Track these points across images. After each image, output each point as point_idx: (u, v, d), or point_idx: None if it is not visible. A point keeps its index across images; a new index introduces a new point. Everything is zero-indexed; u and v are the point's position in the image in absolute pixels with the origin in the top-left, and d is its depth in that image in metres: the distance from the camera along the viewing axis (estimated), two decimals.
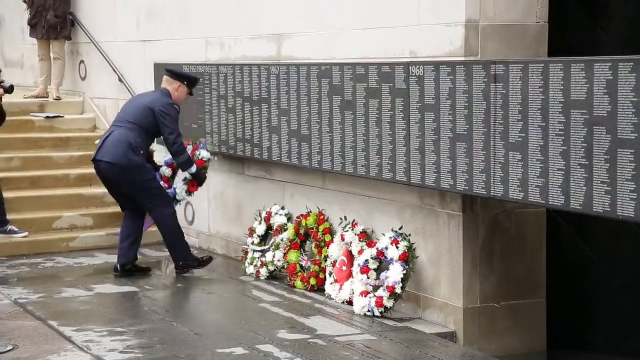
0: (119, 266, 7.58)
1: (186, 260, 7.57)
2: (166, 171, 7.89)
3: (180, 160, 7.49)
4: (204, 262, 7.64)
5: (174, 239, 7.54)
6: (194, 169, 7.56)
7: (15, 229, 8.55)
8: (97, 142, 7.67)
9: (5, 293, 7.07)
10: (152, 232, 9.12)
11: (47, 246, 8.58)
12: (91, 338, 5.85)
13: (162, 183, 7.75)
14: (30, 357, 5.49)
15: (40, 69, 11.18)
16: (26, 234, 8.58)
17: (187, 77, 7.64)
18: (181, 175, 7.80)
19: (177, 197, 7.74)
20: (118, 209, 9.03)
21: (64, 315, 6.47)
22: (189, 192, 7.74)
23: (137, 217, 7.65)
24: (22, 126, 10.09)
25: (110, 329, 6.05)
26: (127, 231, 7.61)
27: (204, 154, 7.74)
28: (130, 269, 7.56)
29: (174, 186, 7.78)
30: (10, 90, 8.27)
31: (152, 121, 7.40)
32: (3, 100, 8.34)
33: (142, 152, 7.42)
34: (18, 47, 12.74)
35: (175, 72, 7.67)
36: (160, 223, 7.52)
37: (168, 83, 7.58)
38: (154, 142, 7.66)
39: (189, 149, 7.74)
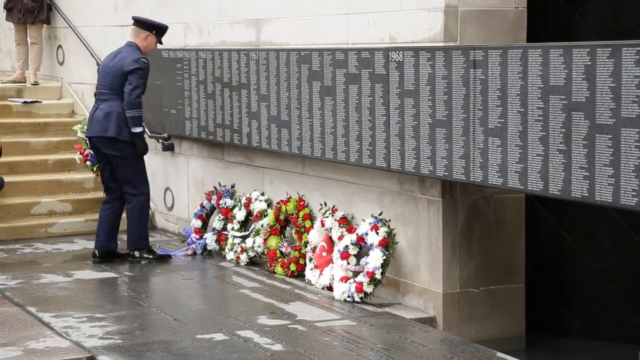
0: (97, 252, 7.56)
1: (142, 249, 7.56)
2: (196, 222, 7.90)
3: (130, 114, 7.27)
4: (161, 257, 7.61)
5: (141, 227, 7.51)
6: (139, 129, 7.37)
7: None
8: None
9: None
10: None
11: (26, 232, 8.53)
12: (70, 324, 5.84)
13: (193, 234, 7.83)
14: (9, 343, 5.46)
15: (17, 54, 11.08)
16: None
17: (155, 26, 7.50)
18: (211, 225, 7.83)
19: (208, 247, 7.75)
20: (97, 195, 9.02)
21: (42, 301, 6.45)
22: (218, 242, 7.73)
23: (118, 203, 7.61)
24: None
25: (90, 315, 6.03)
26: (108, 217, 7.58)
27: (228, 202, 7.74)
28: (109, 255, 7.55)
29: (204, 236, 7.80)
30: None
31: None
32: None
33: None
34: None
35: (143, 21, 7.55)
36: (133, 207, 7.47)
37: (136, 33, 7.47)
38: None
39: (214, 198, 7.82)
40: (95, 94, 7.71)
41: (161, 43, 7.67)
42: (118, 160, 7.43)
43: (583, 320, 6.46)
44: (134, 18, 7.66)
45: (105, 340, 5.49)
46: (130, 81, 7.30)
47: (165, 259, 7.63)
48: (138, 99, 7.32)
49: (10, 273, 7.24)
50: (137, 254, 7.54)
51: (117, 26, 9.57)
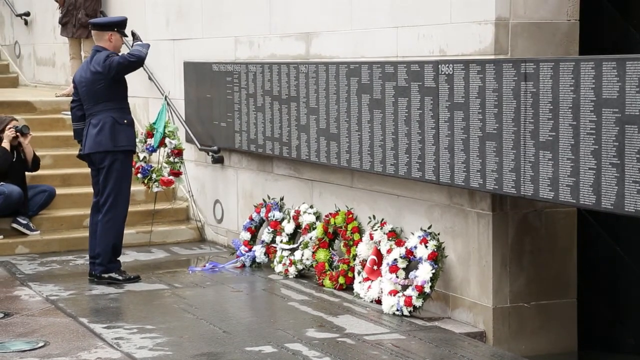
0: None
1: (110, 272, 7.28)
2: (245, 235, 7.94)
3: (138, 54, 7.15)
4: (130, 279, 7.28)
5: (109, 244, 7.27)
6: (144, 46, 7.25)
7: (32, 226, 8.61)
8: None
9: (37, 290, 7.14)
10: (180, 229, 9.18)
11: (78, 243, 8.63)
12: (121, 335, 5.90)
13: (242, 247, 7.83)
14: (61, 354, 5.54)
15: (71, 68, 11.26)
16: (38, 232, 8.64)
17: (115, 23, 7.23)
18: (260, 237, 7.83)
19: (257, 260, 7.75)
20: (148, 207, 9.12)
21: (94, 312, 6.52)
22: (267, 254, 7.73)
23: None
24: (53, 124, 10.20)
25: (140, 326, 6.09)
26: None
27: (277, 215, 7.72)
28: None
29: (253, 249, 7.82)
30: (24, 130, 8.58)
31: (109, 84, 7.16)
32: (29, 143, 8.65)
33: (125, 121, 7.28)
34: (49, 46, 12.85)
35: (101, 23, 7.28)
36: (108, 221, 7.25)
37: (98, 37, 7.21)
38: (126, 96, 7.45)
39: (263, 210, 7.83)
40: (72, 108, 7.53)
41: (126, 36, 7.38)
42: (105, 171, 7.26)
43: (637, 336, 6.34)
44: (90, 22, 7.47)
45: (156, 352, 5.54)
46: (111, 66, 7.02)
47: (120, 281, 7.22)
48: (133, 52, 7.11)
49: (63, 284, 7.34)
50: (104, 275, 7.24)
51: (169, 40, 9.68)
